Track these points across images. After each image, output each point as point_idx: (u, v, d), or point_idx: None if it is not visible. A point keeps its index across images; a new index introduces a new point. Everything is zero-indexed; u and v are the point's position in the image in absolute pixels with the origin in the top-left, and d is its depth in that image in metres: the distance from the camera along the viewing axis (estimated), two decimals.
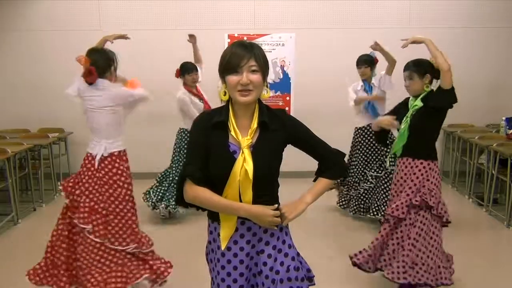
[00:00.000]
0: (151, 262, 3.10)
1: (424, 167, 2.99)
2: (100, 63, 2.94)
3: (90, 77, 2.91)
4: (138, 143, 6.46)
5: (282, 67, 6.24)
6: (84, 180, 2.99)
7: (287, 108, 6.21)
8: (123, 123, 3.10)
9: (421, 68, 2.99)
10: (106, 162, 2.98)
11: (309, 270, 1.85)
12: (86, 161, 3.02)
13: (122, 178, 3.02)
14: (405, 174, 3.04)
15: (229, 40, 6.10)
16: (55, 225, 3.04)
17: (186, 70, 4.57)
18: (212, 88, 4.65)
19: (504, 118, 5.43)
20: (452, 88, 2.91)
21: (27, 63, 6.28)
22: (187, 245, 4.18)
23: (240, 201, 1.68)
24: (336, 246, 4.09)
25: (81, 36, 6.13)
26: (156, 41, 6.27)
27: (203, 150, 1.70)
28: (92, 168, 2.98)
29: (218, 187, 1.69)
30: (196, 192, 1.68)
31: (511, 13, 6.25)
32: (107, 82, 2.97)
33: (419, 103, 2.97)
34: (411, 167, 3.02)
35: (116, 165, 3.00)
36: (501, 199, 5.21)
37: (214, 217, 1.77)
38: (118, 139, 3.04)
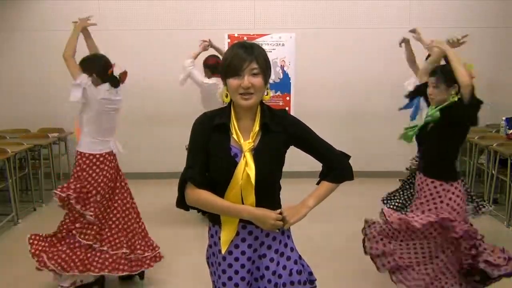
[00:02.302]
0: None
1: (435, 187, 2.73)
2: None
3: (124, 78, 3.20)
4: (140, 143, 6.46)
5: (282, 67, 6.24)
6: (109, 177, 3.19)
7: (287, 108, 6.21)
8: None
9: (451, 77, 2.67)
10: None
11: (311, 273, 1.83)
12: (107, 161, 3.18)
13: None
14: (420, 190, 2.82)
15: (229, 40, 6.09)
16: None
17: None
18: None
19: (504, 118, 5.43)
20: (472, 105, 2.62)
21: (28, 63, 6.28)
22: (188, 248, 4.18)
23: (242, 204, 1.67)
24: (338, 248, 4.09)
25: (81, 36, 6.14)
26: (156, 41, 6.27)
27: (204, 153, 1.69)
28: (113, 165, 3.24)
29: (219, 190, 1.68)
30: (198, 195, 1.67)
31: (511, 13, 6.26)
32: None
33: (436, 113, 2.68)
34: (423, 184, 2.79)
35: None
36: (501, 199, 5.21)
37: (215, 220, 1.76)
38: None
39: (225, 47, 5.25)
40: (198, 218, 4.68)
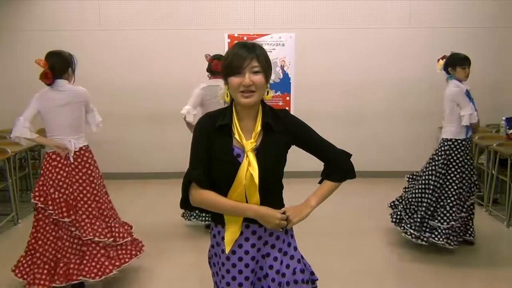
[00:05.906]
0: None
1: None
2: (57, 66, 3.17)
3: (46, 79, 3.21)
4: (139, 143, 6.48)
5: (282, 67, 6.24)
6: (54, 178, 3.18)
7: (287, 108, 6.22)
8: (84, 121, 3.36)
9: None
10: (75, 156, 3.23)
11: (312, 273, 1.84)
12: (50, 160, 3.20)
13: (96, 170, 3.34)
14: None
15: (229, 40, 6.10)
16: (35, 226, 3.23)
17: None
18: None
19: (504, 118, 5.43)
20: None
21: (27, 63, 6.22)
22: (189, 248, 4.18)
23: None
24: (338, 248, 4.09)
25: (81, 36, 6.15)
26: (156, 41, 6.27)
27: (207, 153, 1.68)
28: (60, 164, 3.20)
29: (223, 190, 1.68)
30: (203, 195, 1.67)
31: (511, 13, 6.26)
32: (66, 82, 3.23)
33: None
34: None
35: (85, 158, 3.27)
36: (501, 199, 5.22)
37: (218, 220, 1.75)
38: (82, 135, 3.31)
39: (225, 47, 5.26)
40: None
